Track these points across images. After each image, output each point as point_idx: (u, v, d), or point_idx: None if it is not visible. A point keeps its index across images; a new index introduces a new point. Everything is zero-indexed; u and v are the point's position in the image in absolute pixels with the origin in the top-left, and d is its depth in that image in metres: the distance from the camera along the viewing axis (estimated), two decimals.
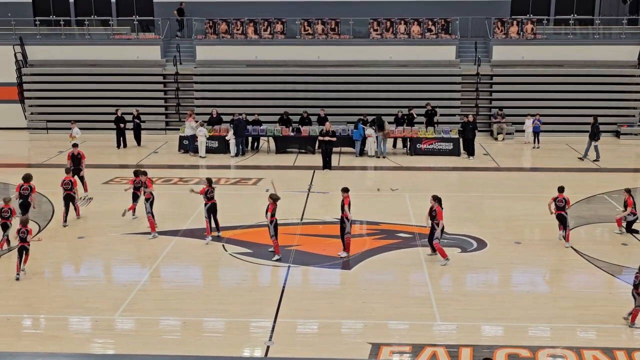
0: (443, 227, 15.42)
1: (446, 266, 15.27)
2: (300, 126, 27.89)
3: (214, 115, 28.54)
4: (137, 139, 29.19)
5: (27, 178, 17.53)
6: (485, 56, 33.04)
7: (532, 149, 28.38)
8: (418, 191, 21.89)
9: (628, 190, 17.46)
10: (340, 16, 33.21)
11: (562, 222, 16.58)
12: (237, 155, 26.97)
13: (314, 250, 16.47)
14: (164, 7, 34.69)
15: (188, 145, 27.39)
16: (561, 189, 16.67)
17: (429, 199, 15.56)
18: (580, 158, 25.99)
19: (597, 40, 32.96)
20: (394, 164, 25.98)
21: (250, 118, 28.57)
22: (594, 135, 25.93)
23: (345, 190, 15.92)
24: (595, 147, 25.91)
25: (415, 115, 28.50)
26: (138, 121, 29.08)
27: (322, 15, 33.28)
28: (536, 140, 28.58)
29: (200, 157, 26.89)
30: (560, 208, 16.44)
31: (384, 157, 26.75)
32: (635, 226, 17.52)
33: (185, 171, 24.85)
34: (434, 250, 15.59)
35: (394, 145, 28.46)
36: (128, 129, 29.02)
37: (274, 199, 15.50)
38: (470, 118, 26.95)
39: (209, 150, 27.17)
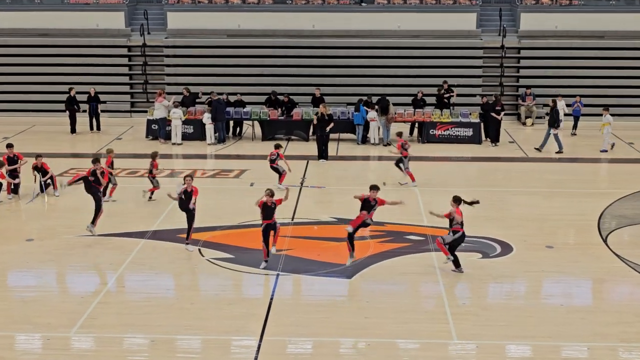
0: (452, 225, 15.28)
1: (464, 274, 15.28)
2: (270, 109, 27.77)
3: (186, 94, 28.49)
4: (97, 122, 29.10)
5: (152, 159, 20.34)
6: (512, 26, 33.02)
7: (570, 136, 28.22)
8: (431, 186, 21.89)
9: None
10: None
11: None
12: (216, 142, 26.93)
13: (308, 255, 16.47)
14: None
15: (158, 130, 27.35)
16: (399, 134, 22.44)
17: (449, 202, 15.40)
18: (537, 148, 26.01)
19: None
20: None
21: (232, 99, 28.52)
22: (554, 122, 26.00)
23: (373, 186, 15.73)
24: (555, 136, 25.91)
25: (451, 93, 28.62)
26: (96, 103, 28.93)
27: None
28: (575, 125, 28.35)
29: (176, 144, 26.86)
30: (405, 149, 21.26)
31: (389, 145, 26.75)
32: None
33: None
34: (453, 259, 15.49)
35: (410, 133, 28.38)
36: (84, 111, 28.95)
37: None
38: (492, 99, 26.92)
39: (183, 137, 27.14)
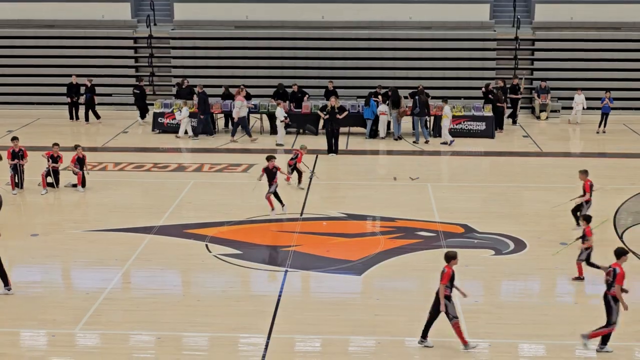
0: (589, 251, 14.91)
1: (477, 272, 15.26)
2: (279, 102, 27.73)
3: (184, 86, 28.57)
4: (94, 113, 29.29)
5: None
6: (526, 17, 32.87)
7: (596, 134, 27.83)
8: (443, 181, 21.86)
9: None
10: None
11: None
12: (196, 136, 26.83)
13: (316, 251, 16.48)
14: None
15: (245, 128, 26.81)
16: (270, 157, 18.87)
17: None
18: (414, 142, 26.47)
19: None
20: (413, 147, 25.96)
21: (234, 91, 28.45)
22: (395, 105, 26.52)
23: (449, 258, 12.53)
24: (395, 119, 26.59)
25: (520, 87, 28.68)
26: (91, 94, 29.03)
27: None
28: (603, 123, 27.75)
29: (178, 137, 26.88)
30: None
31: (400, 139, 26.72)
32: None
33: (161, 155, 24.87)
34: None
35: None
36: (81, 104, 29.31)
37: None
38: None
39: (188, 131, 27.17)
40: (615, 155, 24.83)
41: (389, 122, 27.29)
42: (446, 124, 26.02)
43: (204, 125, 27.06)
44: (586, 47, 31.75)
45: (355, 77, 31.58)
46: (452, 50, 31.82)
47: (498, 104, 27.54)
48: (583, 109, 28.90)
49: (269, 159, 18.57)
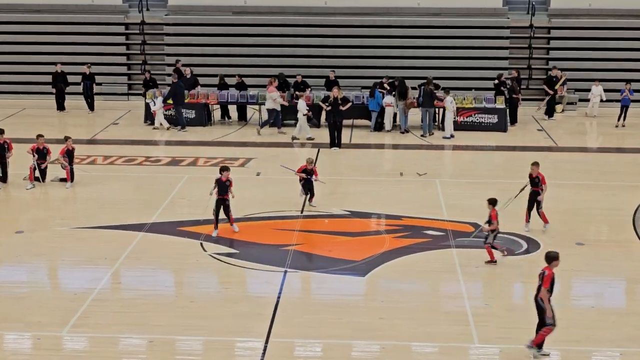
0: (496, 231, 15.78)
1: (488, 273, 15.26)
2: (279, 92, 27.77)
3: (148, 77, 28.96)
4: (90, 102, 29.45)
5: None
6: (542, 3, 32.84)
7: (615, 128, 27.80)
8: (452, 177, 21.84)
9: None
10: None
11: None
12: (182, 128, 26.99)
13: (318, 251, 16.53)
14: None
15: (274, 122, 26.80)
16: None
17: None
18: (422, 136, 26.57)
19: None
20: (421, 141, 25.96)
21: (230, 80, 28.50)
22: (401, 97, 26.74)
23: (550, 258, 12.52)
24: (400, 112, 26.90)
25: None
26: (90, 82, 29.20)
27: None
28: (623, 116, 27.74)
29: (155, 128, 27.12)
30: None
31: (407, 132, 26.72)
32: None
33: (153, 148, 24.89)
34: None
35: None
36: (72, 94, 29.42)
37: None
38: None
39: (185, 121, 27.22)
40: (634, 151, 24.81)
41: (395, 114, 27.30)
42: (449, 116, 25.99)
43: (179, 116, 27.15)
44: (605, 36, 31.72)
45: (359, 67, 31.57)
46: (463, 39, 31.79)
47: (513, 96, 27.56)
48: (601, 101, 28.85)
49: (222, 170, 17.21)
